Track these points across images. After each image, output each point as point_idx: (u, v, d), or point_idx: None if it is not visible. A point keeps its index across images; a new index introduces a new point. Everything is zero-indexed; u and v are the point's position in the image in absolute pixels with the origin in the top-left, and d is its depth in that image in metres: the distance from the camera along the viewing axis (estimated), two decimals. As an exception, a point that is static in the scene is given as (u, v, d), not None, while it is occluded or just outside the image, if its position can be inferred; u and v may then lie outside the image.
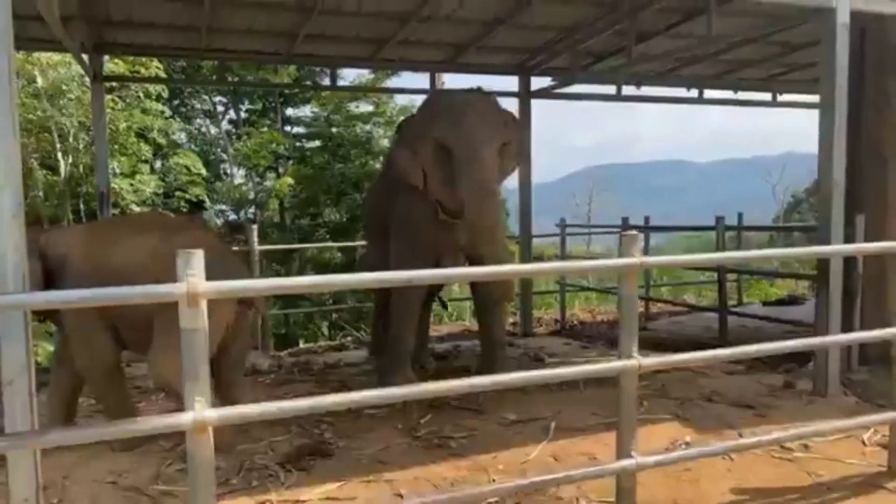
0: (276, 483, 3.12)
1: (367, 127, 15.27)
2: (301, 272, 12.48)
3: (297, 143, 14.96)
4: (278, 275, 13.12)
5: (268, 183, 14.35)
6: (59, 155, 9.90)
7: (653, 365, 2.61)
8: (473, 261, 4.52)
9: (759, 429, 3.54)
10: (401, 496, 2.95)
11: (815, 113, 4.24)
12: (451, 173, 4.04)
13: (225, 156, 14.03)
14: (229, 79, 11.65)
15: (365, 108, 15.34)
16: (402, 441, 3.60)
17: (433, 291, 5.22)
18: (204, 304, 1.94)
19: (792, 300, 7.99)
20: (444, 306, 6.24)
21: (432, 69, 6.56)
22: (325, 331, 10.89)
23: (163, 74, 11.00)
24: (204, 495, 1.99)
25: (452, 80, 7.01)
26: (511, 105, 6.95)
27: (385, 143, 15.31)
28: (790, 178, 24.81)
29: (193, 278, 1.92)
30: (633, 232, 2.51)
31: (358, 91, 12.07)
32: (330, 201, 14.46)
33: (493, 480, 3.05)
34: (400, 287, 4.26)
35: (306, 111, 15.60)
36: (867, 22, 4.52)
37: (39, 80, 9.80)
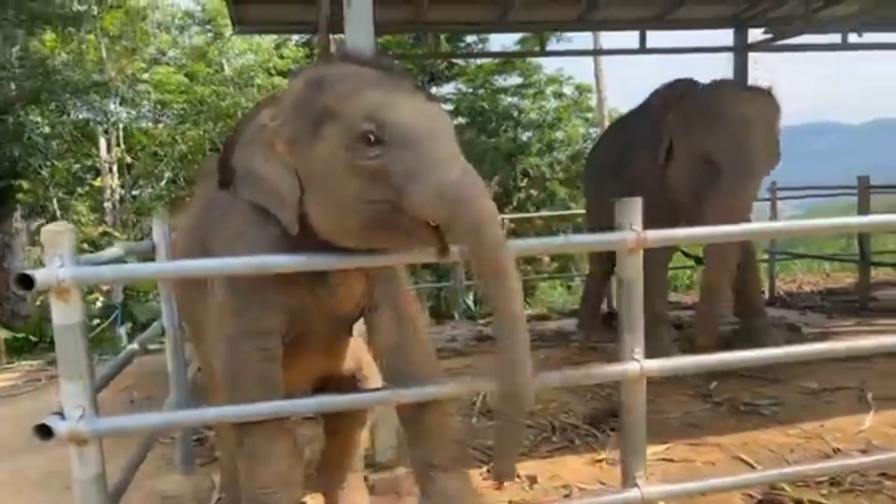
0: (598, 442, 3.10)
1: (514, 99, 15.32)
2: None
3: (445, 121, 15.13)
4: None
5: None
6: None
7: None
8: None
9: None
10: (743, 460, 2.83)
11: None
12: None
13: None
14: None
15: (513, 80, 15.32)
16: (702, 407, 3.47)
17: None
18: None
19: None
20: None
21: (641, 27, 6.26)
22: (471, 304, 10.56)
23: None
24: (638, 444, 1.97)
25: (658, 39, 6.63)
26: (724, 62, 6.69)
27: (533, 115, 15.24)
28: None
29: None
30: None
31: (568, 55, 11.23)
32: (481, 175, 14.47)
33: (838, 450, 2.86)
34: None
35: (450, 88, 15.83)
36: None
37: (227, 69, 10.38)
